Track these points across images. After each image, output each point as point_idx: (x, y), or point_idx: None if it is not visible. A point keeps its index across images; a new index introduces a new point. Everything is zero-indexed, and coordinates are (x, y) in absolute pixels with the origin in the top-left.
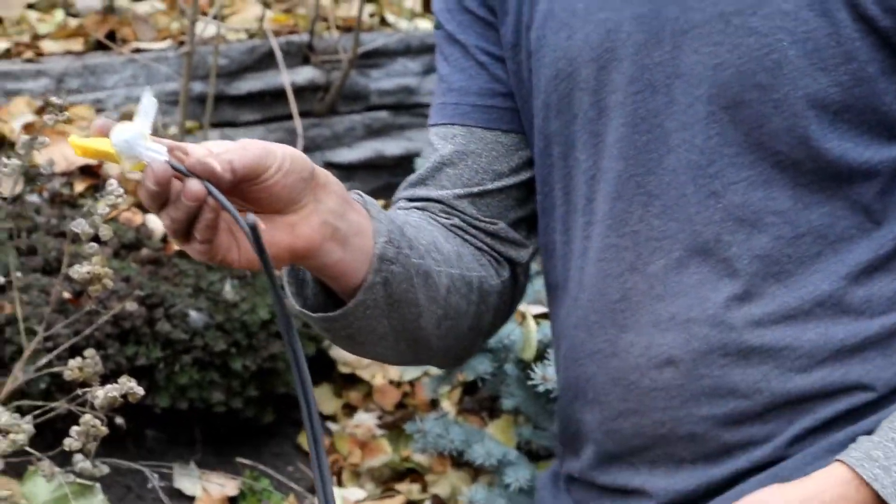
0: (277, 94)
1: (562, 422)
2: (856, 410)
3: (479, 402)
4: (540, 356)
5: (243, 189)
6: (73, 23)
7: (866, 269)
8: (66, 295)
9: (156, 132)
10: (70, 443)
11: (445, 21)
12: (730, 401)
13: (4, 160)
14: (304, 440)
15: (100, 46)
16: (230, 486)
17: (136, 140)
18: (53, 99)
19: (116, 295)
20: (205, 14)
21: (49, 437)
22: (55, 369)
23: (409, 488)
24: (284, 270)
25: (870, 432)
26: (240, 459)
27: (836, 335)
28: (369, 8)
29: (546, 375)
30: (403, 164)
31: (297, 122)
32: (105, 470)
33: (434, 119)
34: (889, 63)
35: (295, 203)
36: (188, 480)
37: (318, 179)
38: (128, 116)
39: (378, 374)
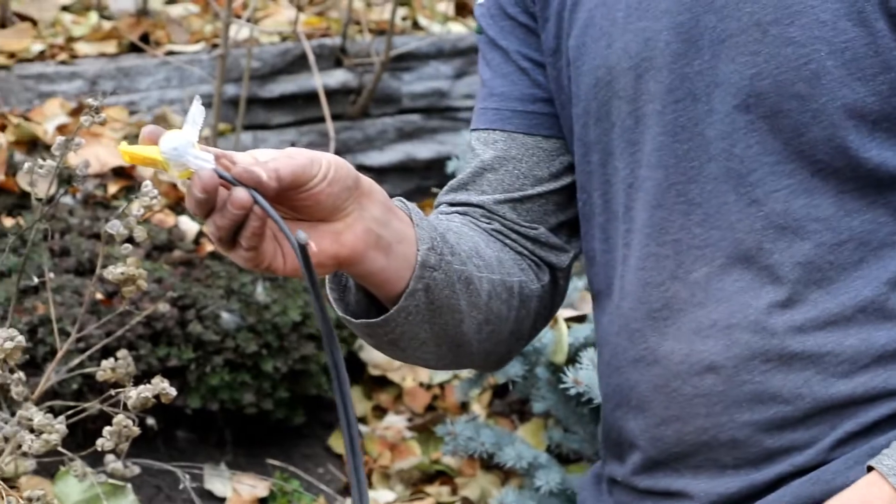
0: (310, 97)
1: (606, 428)
2: None
3: (510, 405)
4: (571, 359)
5: (289, 197)
6: (107, 25)
7: None
8: (99, 296)
9: None
10: (102, 443)
11: (487, 26)
12: (771, 406)
13: (39, 161)
14: (334, 442)
15: (133, 49)
16: (261, 488)
17: (185, 148)
18: (90, 100)
19: (149, 296)
20: (238, 17)
21: (80, 437)
22: (87, 370)
23: (438, 491)
24: (327, 276)
25: None
26: (270, 461)
27: (877, 341)
28: (402, 11)
29: (577, 379)
30: (434, 168)
31: (329, 125)
32: (136, 470)
33: (476, 124)
34: None
35: (339, 211)
36: (219, 481)
37: (362, 187)
38: (161, 118)
39: (408, 377)
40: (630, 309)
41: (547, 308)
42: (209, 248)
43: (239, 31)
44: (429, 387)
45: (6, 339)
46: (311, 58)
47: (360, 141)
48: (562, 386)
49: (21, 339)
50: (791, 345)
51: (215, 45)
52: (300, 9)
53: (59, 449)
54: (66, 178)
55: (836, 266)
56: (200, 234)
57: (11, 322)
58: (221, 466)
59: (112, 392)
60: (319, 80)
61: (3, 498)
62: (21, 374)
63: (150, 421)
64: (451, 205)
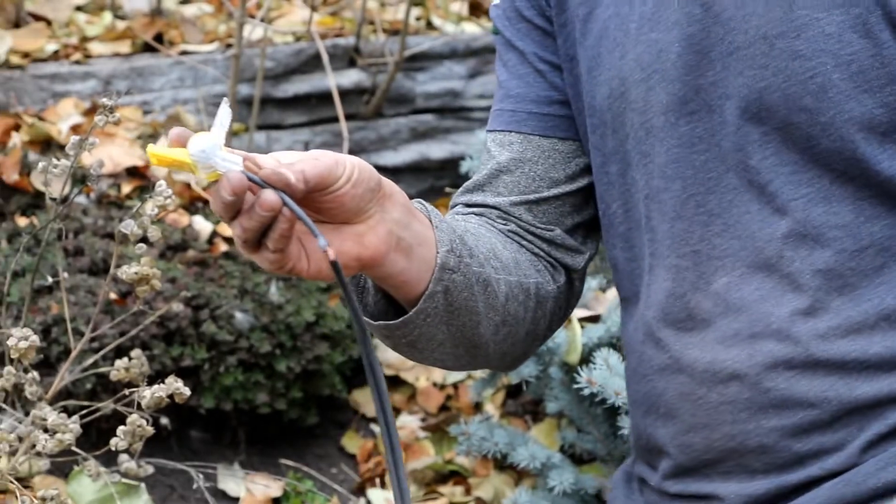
0: (323, 97)
1: (636, 433)
2: None
3: (523, 406)
4: (585, 360)
5: (313, 199)
6: (121, 25)
7: None
8: (113, 296)
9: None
10: (116, 442)
11: (503, 28)
12: (797, 411)
13: (54, 161)
14: (347, 442)
15: (147, 48)
16: (274, 488)
17: (213, 150)
18: (104, 100)
19: (162, 296)
20: (252, 17)
21: (94, 436)
22: (101, 370)
23: (452, 491)
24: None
25: None
26: (283, 461)
27: None
28: (416, 11)
29: (591, 379)
30: (448, 168)
31: (343, 125)
32: (150, 470)
33: (492, 125)
34: None
35: (362, 213)
36: (232, 481)
37: (384, 189)
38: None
39: (422, 377)
40: (654, 318)
41: (562, 309)
42: (223, 247)
43: (253, 30)
44: (442, 387)
45: (20, 339)
46: (325, 58)
47: (373, 141)
48: (575, 386)
49: (35, 338)
50: (815, 352)
51: (229, 45)
52: (314, 9)
53: (73, 448)
54: (80, 178)
55: (858, 272)
56: (214, 233)
57: (25, 322)
58: (235, 466)
59: (126, 392)
60: (333, 79)
61: (17, 497)
62: (35, 374)
63: (164, 421)
64: (467, 205)
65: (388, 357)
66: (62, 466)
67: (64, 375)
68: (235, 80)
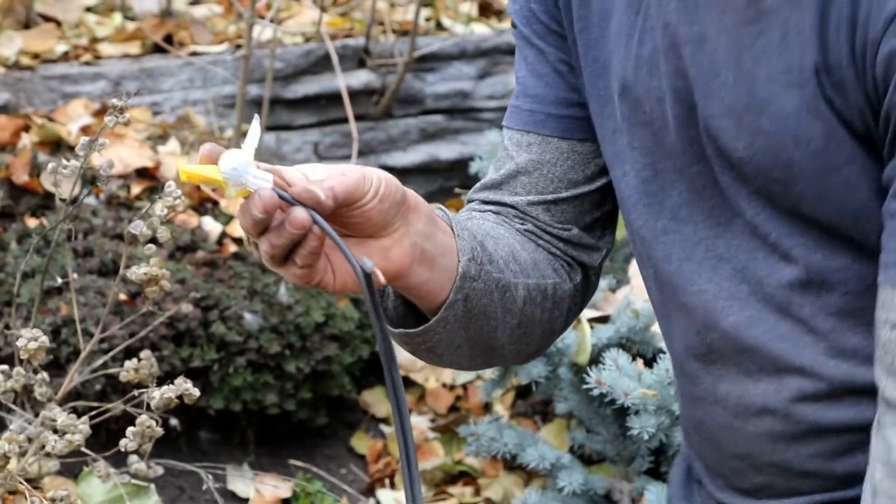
0: (333, 98)
1: (690, 444)
2: None
3: (533, 406)
4: (594, 360)
5: (340, 214)
6: (131, 26)
7: None
8: (122, 297)
9: (210, 134)
10: (126, 443)
11: (521, 25)
12: (833, 437)
13: (63, 162)
14: (356, 443)
15: (157, 49)
16: (283, 488)
17: (244, 168)
18: (113, 101)
19: (171, 297)
20: (262, 17)
21: (104, 437)
22: (111, 370)
23: (461, 491)
24: None
25: None
26: (293, 461)
27: None
28: (425, 12)
29: (600, 379)
30: (457, 168)
31: (353, 126)
32: (159, 471)
33: (509, 122)
34: (876, 167)
35: (388, 227)
36: (242, 482)
37: (408, 202)
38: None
39: (431, 378)
40: (681, 351)
41: (578, 305)
42: (232, 248)
43: (262, 31)
44: (452, 387)
45: (30, 340)
46: (335, 58)
47: (383, 141)
48: (584, 387)
49: (45, 339)
50: (841, 384)
51: (239, 46)
52: (324, 9)
53: (83, 449)
54: (89, 179)
55: (870, 309)
56: (223, 234)
57: (35, 322)
58: (244, 467)
59: (135, 393)
60: (343, 80)
61: (27, 498)
62: (44, 375)
63: (174, 421)
64: (484, 202)
65: (398, 358)
66: (72, 467)
67: (73, 376)
68: (245, 81)
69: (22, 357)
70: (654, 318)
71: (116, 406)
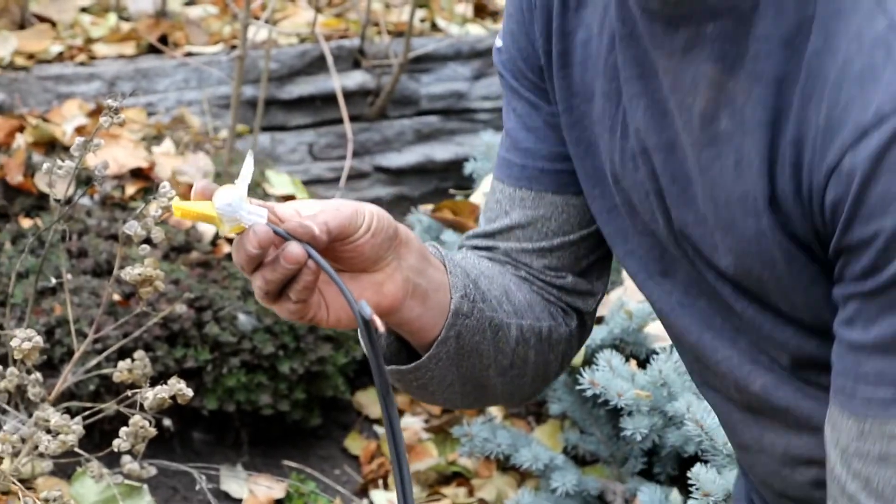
0: (328, 99)
1: (744, 476)
2: None
3: (526, 407)
4: (588, 361)
5: (332, 248)
6: (126, 26)
7: None
8: (116, 297)
9: (205, 135)
10: (119, 444)
11: (509, 77)
12: None
13: (58, 162)
14: (350, 443)
15: (152, 50)
16: (277, 489)
17: (238, 204)
18: (108, 102)
19: (165, 297)
20: (257, 18)
21: (97, 438)
22: (104, 371)
23: (455, 492)
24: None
25: None
26: (286, 462)
27: None
28: (420, 13)
29: (594, 380)
30: (452, 169)
31: (348, 127)
32: (153, 471)
33: (500, 175)
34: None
35: (380, 261)
36: (235, 482)
37: (400, 237)
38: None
39: None
40: (721, 402)
41: (573, 349)
42: (226, 249)
43: (257, 32)
44: None
45: (24, 340)
46: (330, 59)
47: (378, 142)
48: (578, 387)
49: (38, 339)
50: None
51: (234, 47)
52: (318, 10)
53: (76, 450)
54: (84, 180)
55: None
56: (217, 235)
57: (29, 323)
58: (238, 468)
59: (129, 393)
60: (338, 81)
61: (20, 499)
62: (38, 375)
63: (167, 422)
64: (476, 248)
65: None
66: (65, 468)
67: (67, 377)
68: (240, 82)
69: (16, 357)
70: (648, 320)
71: (110, 406)
